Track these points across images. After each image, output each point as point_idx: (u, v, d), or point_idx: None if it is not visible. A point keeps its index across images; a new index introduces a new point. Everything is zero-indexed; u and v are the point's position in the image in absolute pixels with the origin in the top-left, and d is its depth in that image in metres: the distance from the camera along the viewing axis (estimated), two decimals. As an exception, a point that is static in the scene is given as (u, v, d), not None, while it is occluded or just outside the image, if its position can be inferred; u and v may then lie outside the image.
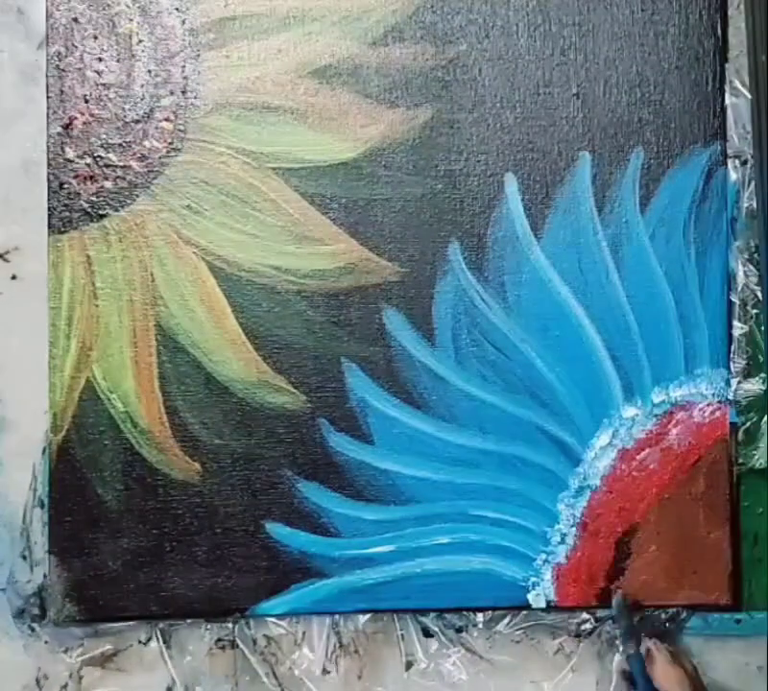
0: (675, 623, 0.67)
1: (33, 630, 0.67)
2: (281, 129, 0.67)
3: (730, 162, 0.68)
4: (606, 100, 0.67)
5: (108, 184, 0.66)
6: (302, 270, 0.67)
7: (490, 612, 0.68)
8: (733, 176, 0.68)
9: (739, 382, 0.68)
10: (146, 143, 0.66)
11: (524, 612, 0.68)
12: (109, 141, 0.66)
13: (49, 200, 0.66)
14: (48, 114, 0.66)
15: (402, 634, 0.68)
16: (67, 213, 0.66)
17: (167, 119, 0.66)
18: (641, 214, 0.67)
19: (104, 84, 0.66)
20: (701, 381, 0.67)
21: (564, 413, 0.67)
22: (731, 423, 0.67)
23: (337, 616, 0.68)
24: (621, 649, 0.64)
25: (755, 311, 0.68)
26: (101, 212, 0.66)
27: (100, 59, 0.66)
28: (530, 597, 0.67)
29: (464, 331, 0.67)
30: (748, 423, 0.68)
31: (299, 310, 0.67)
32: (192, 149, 0.66)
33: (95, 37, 0.66)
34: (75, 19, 0.66)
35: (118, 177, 0.66)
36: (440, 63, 0.67)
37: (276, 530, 0.66)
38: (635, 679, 0.61)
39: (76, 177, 0.66)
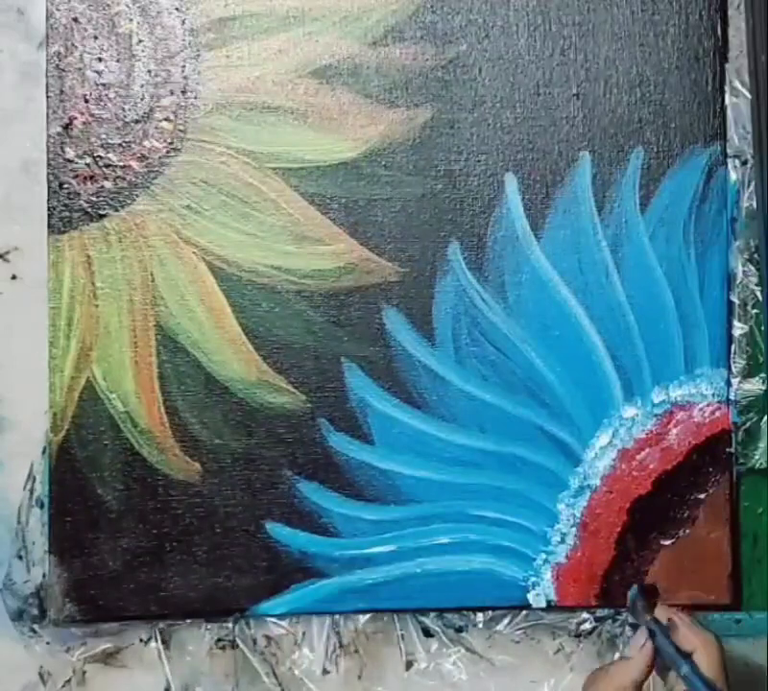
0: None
1: (34, 631, 0.67)
2: (281, 129, 0.67)
3: (730, 162, 0.68)
4: (606, 100, 0.67)
5: (108, 184, 0.66)
6: (302, 270, 0.67)
7: (490, 612, 0.68)
8: (733, 176, 0.68)
9: (739, 382, 0.68)
10: (146, 143, 0.66)
11: (524, 612, 0.68)
12: (109, 141, 0.66)
13: (49, 200, 0.66)
14: (48, 114, 0.66)
15: (402, 634, 0.68)
16: (67, 213, 0.66)
17: (167, 119, 0.66)
18: (641, 214, 0.67)
19: (104, 84, 0.66)
20: (701, 381, 0.67)
21: (564, 413, 0.67)
22: (731, 423, 0.68)
23: (337, 616, 0.68)
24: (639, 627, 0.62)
25: (755, 311, 0.68)
26: (101, 212, 0.66)
27: (100, 59, 0.66)
28: (530, 597, 0.67)
29: (464, 331, 0.67)
30: (748, 423, 0.68)
31: (299, 310, 0.67)
32: (192, 149, 0.66)
33: (95, 37, 0.66)
34: (75, 19, 0.66)
35: (118, 177, 0.66)
36: (440, 63, 0.67)
37: (276, 530, 0.66)
38: (661, 648, 0.60)
39: (76, 177, 0.66)
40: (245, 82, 0.67)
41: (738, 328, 0.68)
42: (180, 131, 0.66)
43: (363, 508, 0.67)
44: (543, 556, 0.67)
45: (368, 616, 0.68)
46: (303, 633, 0.68)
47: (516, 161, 0.67)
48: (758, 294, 0.68)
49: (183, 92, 0.66)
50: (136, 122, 0.66)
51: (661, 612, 0.61)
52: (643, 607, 0.62)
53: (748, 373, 0.68)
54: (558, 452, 0.67)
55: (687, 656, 0.58)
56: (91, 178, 0.66)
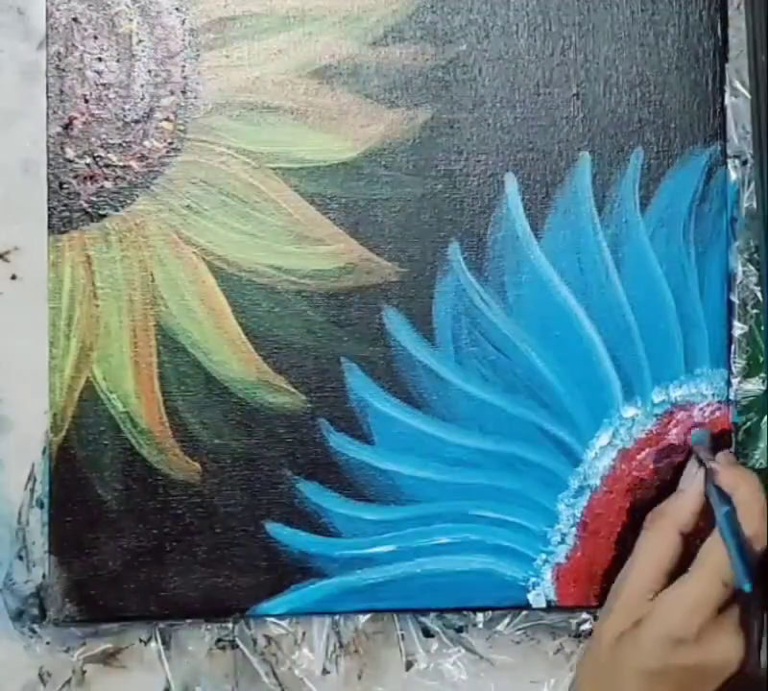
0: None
1: (34, 631, 0.67)
2: (281, 129, 0.67)
3: (730, 162, 0.68)
4: (606, 100, 0.67)
5: (108, 184, 0.66)
6: (302, 270, 0.67)
7: (490, 612, 0.68)
8: (733, 176, 0.68)
9: (739, 382, 0.68)
10: (146, 143, 0.66)
11: (524, 612, 0.68)
12: (109, 141, 0.66)
13: (49, 200, 0.66)
14: (48, 114, 0.66)
15: (402, 634, 0.68)
16: (67, 213, 0.66)
17: (167, 119, 0.66)
18: (641, 214, 0.67)
19: (104, 84, 0.66)
20: (701, 381, 0.67)
21: (564, 413, 0.67)
22: (731, 423, 0.68)
23: (337, 616, 0.68)
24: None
25: (755, 311, 0.68)
26: (101, 212, 0.66)
27: (100, 59, 0.66)
28: (530, 597, 0.67)
29: (464, 331, 0.67)
30: (748, 423, 0.68)
31: (299, 310, 0.67)
32: (192, 149, 0.66)
33: (95, 37, 0.66)
34: (75, 19, 0.66)
35: (118, 177, 0.66)
36: (440, 63, 0.67)
37: (276, 530, 0.66)
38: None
39: (76, 177, 0.66)
40: (245, 82, 0.67)
41: (738, 328, 0.68)
42: (180, 131, 0.66)
43: (363, 508, 0.67)
44: (543, 556, 0.67)
45: (368, 616, 0.68)
46: (303, 633, 0.68)
47: (515, 161, 0.67)
48: (758, 294, 0.68)
49: (183, 92, 0.66)
50: (136, 122, 0.66)
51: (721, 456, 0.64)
52: (705, 447, 0.65)
53: (748, 373, 0.68)
54: (558, 452, 0.67)
55: (728, 498, 0.60)
56: (91, 178, 0.66)
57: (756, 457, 0.68)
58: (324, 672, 0.68)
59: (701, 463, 0.63)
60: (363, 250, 0.67)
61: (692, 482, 0.63)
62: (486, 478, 0.67)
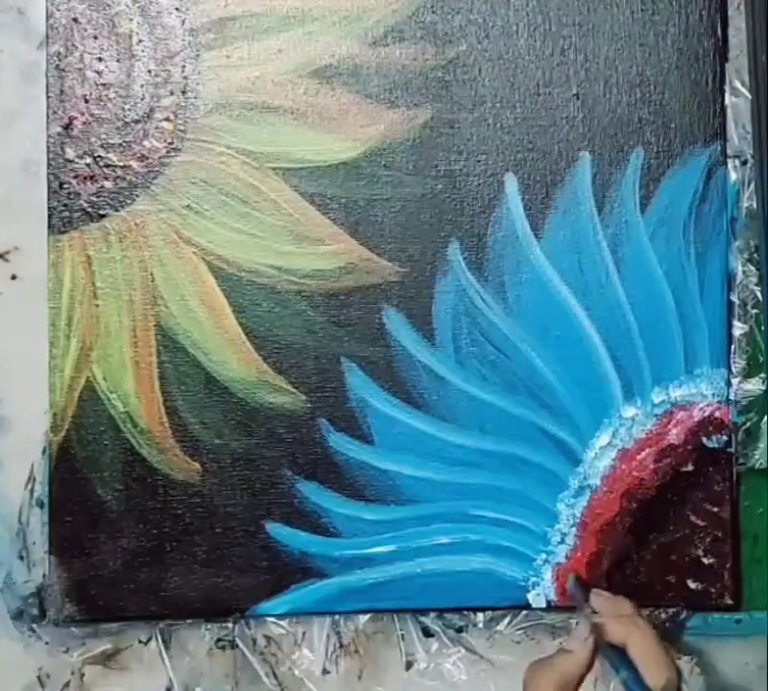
0: (674, 623, 0.68)
1: (33, 631, 0.67)
2: (281, 129, 0.67)
3: (730, 162, 0.68)
4: (606, 100, 0.67)
5: (108, 184, 0.66)
6: (302, 270, 0.67)
7: (490, 612, 0.68)
8: (733, 176, 0.68)
9: (739, 382, 0.68)
10: (146, 143, 0.66)
11: (524, 612, 0.68)
12: (109, 141, 0.66)
13: (49, 200, 0.66)
14: (48, 114, 0.66)
15: (402, 634, 0.68)
16: (67, 213, 0.66)
17: (167, 119, 0.66)
18: (641, 214, 0.67)
19: (104, 84, 0.66)
20: (701, 381, 0.67)
21: (564, 413, 0.67)
22: (731, 423, 0.68)
23: (337, 616, 0.68)
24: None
25: (755, 311, 0.68)
26: (101, 212, 0.66)
27: (100, 59, 0.66)
28: (530, 597, 0.67)
29: (464, 331, 0.67)
30: (748, 423, 0.68)
31: (299, 310, 0.67)
32: (192, 149, 0.66)
33: (95, 37, 0.66)
34: (75, 19, 0.66)
35: (118, 177, 0.66)
36: (440, 63, 0.67)
37: (276, 530, 0.66)
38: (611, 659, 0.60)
39: (76, 177, 0.66)
40: (245, 82, 0.67)
41: (738, 328, 0.68)
42: (180, 131, 0.66)
43: (363, 508, 0.67)
44: (543, 556, 0.67)
45: (368, 616, 0.68)
46: (303, 633, 0.68)
47: (515, 161, 0.67)
48: (758, 294, 0.68)
49: (183, 92, 0.66)
50: (136, 122, 0.66)
51: (596, 601, 0.61)
52: (581, 597, 0.62)
53: (748, 373, 0.68)
54: (558, 452, 0.67)
55: (623, 656, 0.57)
56: (91, 178, 0.66)
57: (757, 457, 0.68)
58: (324, 672, 0.68)
59: (588, 620, 0.60)
60: (363, 250, 0.67)
61: (584, 644, 0.58)
62: (486, 478, 0.67)
